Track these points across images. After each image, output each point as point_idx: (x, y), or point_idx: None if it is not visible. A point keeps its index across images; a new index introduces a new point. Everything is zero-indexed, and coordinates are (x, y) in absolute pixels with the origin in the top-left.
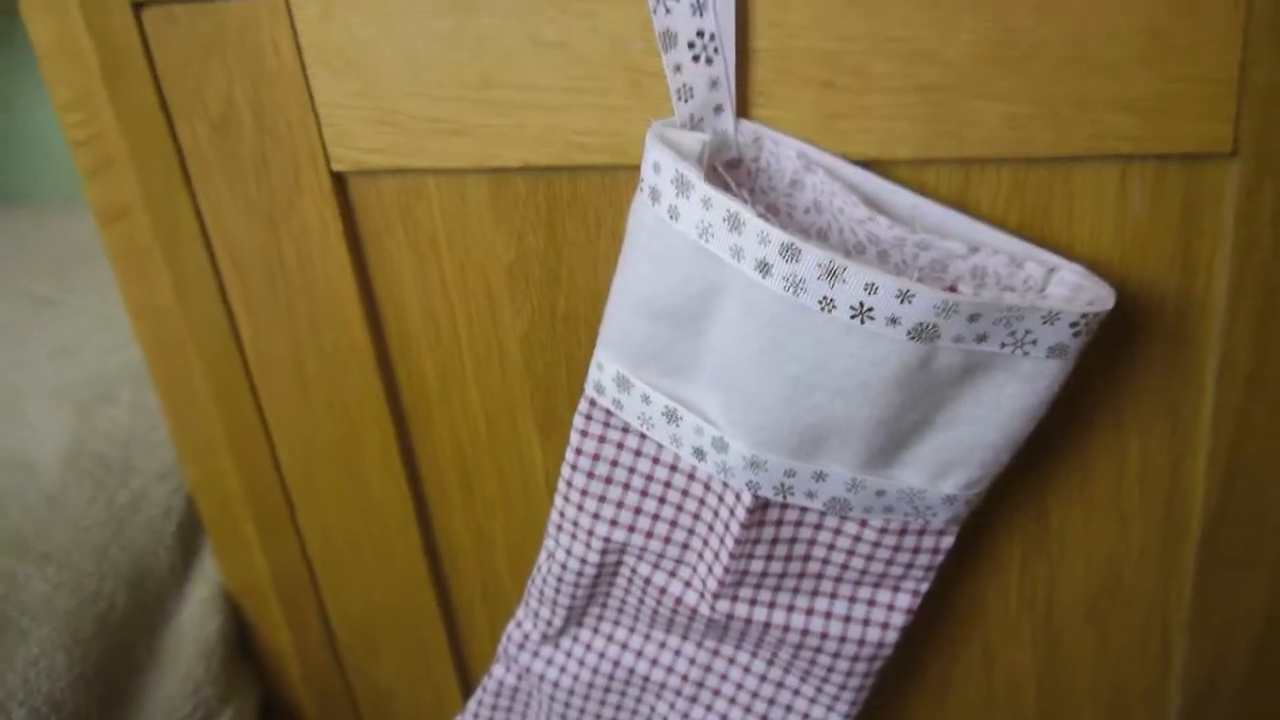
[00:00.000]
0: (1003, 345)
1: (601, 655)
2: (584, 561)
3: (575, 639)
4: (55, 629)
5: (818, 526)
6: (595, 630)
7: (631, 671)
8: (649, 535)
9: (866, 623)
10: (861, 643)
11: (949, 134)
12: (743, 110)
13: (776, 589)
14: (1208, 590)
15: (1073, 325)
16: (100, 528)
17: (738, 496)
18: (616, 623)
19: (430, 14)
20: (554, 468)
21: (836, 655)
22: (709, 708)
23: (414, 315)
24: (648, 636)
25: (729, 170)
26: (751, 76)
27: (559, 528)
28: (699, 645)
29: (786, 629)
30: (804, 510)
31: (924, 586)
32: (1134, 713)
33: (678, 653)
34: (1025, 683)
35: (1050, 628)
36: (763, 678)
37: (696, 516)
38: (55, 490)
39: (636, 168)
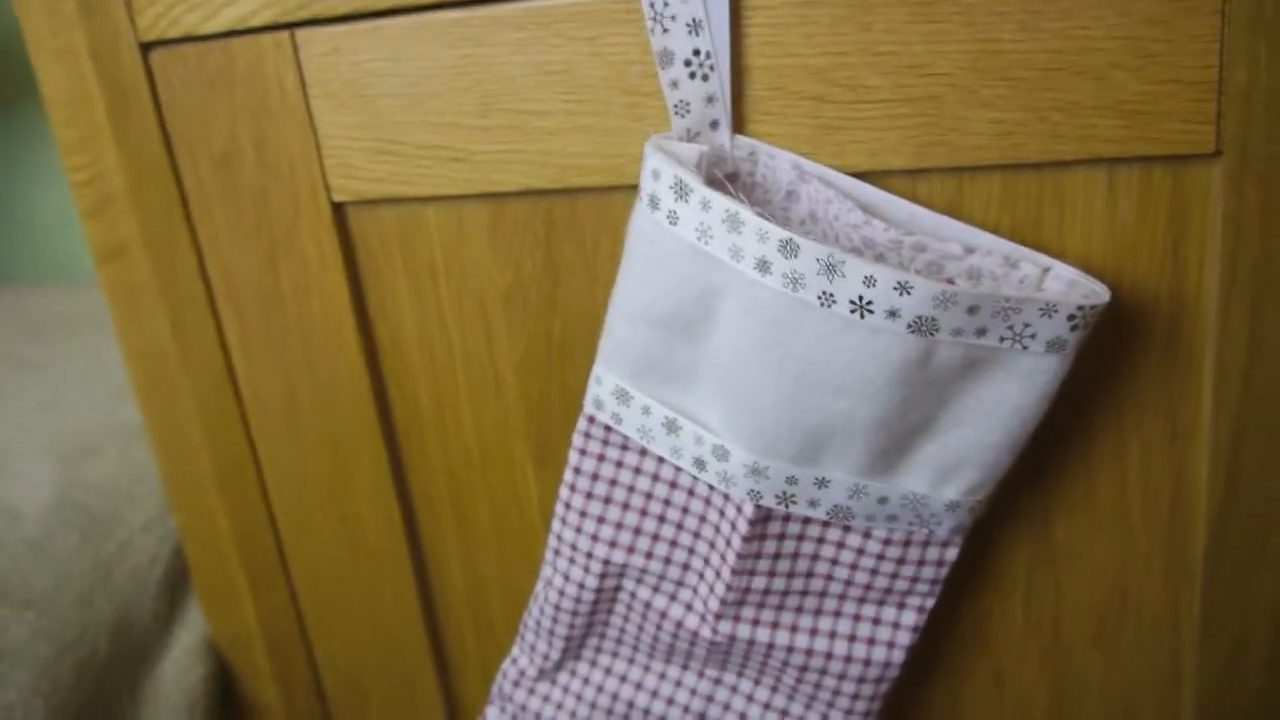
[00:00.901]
0: (1001, 339)
1: (600, 689)
2: (582, 587)
3: (573, 673)
4: (33, 674)
5: (820, 540)
6: (593, 663)
7: (631, 705)
8: (649, 556)
9: (872, 642)
10: (867, 663)
11: (941, 143)
12: (738, 126)
13: (779, 608)
14: (1216, 596)
15: (1070, 318)
16: (85, 575)
17: (739, 509)
18: (615, 654)
19: (439, 44)
20: (549, 500)
21: (842, 677)
22: None
23: (410, 345)
24: (647, 667)
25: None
26: (746, 92)
27: (556, 553)
28: (700, 675)
29: (790, 650)
30: (806, 522)
31: (929, 602)
32: None
33: (678, 683)
34: (1035, 703)
35: (1059, 646)
36: (766, 705)
37: (697, 534)
38: (39, 537)
39: (634, 187)
